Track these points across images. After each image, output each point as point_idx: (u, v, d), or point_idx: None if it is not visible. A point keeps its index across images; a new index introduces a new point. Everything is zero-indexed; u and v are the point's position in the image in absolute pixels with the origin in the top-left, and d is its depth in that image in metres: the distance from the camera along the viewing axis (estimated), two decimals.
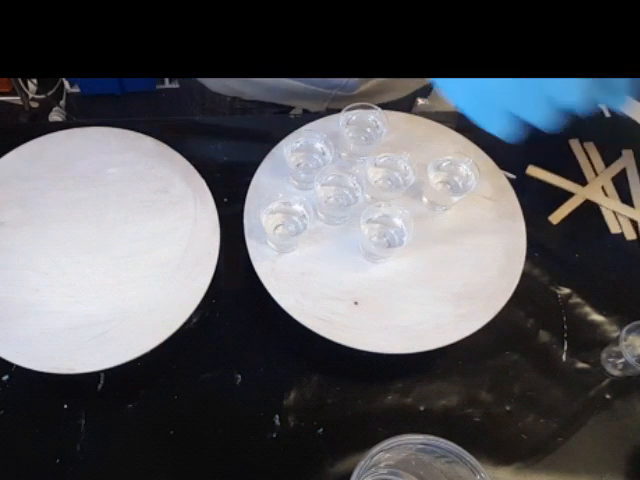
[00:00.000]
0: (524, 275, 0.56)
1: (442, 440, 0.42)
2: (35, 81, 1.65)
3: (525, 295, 0.58)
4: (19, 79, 1.57)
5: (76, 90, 1.84)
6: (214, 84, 0.79)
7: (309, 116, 0.72)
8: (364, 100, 0.60)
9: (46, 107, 1.68)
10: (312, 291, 0.55)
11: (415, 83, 0.83)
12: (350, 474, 0.41)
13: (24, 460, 0.50)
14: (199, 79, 0.80)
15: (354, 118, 0.62)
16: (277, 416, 0.53)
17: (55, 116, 1.68)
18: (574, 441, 0.53)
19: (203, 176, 0.61)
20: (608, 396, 0.56)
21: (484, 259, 0.58)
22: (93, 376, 0.53)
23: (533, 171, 0.67)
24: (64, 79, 1.78)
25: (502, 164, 0.63)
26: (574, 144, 0.70)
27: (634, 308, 0.59)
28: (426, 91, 0.88)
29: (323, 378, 0.55)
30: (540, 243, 0.63)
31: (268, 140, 0.63)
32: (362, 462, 0.41)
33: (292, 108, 0.81)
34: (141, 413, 0.53)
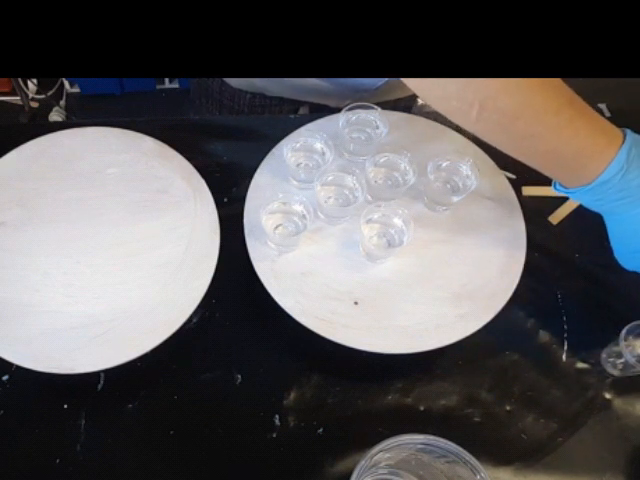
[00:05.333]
0: (524, 275, 0.56)
1: (442, 440, 0.42)
2: (35, 81, 1.65)
3: (525, 295, 0.58)
4: (19, 79, 1.57)
5: (76, 90, 1.84)
6: (236, 80, 0.79)
7: (309, 116, 0.71)
8: (382, 96, 0.60)
9: (46, 107, 1.68)
10: (312, 291, 0.55)
11: None
12: (350, 474, 0.41)
13: (24, 460, 0.50)
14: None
15: (354, 118, 0.62)
16: (277, 416, 0.53)
17: (55, 116, 1.68)
18: (574, 441, 0.53)
19: (203, 176, 0.61)
20: (608, 396, 0.56)
21: (484, 259, 0.58)
22: (93, 376, 0.53)
23: (528, 190, 0.66)
24: (64, 79, 1.79)
25: (502, 164, 0.63)
26: None
27: (634, 308, 0.59)
28: None
29: (323, 378, 0.55)
30: (540, 243, 0.62)
31: (268, 140, 0.63)
32: (362, 462, 0.41)
33: (312, 104, 0.81)
34: (141, 413, 0.53)
